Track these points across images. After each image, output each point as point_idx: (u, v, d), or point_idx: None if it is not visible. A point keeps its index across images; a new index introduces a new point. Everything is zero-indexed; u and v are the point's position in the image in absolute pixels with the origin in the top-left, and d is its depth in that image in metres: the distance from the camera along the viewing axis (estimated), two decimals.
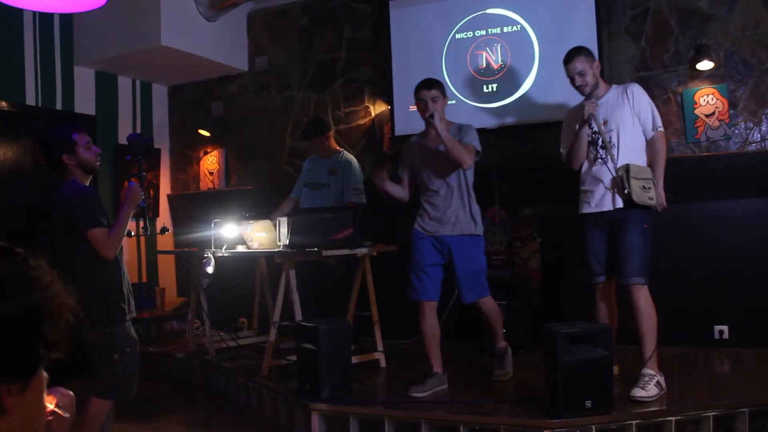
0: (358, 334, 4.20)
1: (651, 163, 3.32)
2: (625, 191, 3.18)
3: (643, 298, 3.18)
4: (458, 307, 4.52)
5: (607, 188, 3.31)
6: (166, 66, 5.51)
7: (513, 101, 4.67)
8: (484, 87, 4.75)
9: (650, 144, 3.35)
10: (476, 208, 3.57)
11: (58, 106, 5.22)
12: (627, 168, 3.21)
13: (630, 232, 3.22)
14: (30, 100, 4.99)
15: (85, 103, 5.44)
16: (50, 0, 2.98)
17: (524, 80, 4.65)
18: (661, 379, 3.15)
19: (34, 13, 4.92)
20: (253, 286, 4.89)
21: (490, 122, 4.67)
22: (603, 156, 3.33)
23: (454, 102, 4.85)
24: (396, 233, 4.33)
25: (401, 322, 4.71)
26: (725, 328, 4.11)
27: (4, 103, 4.82)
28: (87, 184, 2.97)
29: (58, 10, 4.36)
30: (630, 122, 3.32)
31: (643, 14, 4.42)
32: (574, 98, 4.47)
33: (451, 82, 4.86)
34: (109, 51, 5.16)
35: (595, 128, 3.36)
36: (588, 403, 2.79)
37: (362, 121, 5.32)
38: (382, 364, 4.07)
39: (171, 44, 4.96)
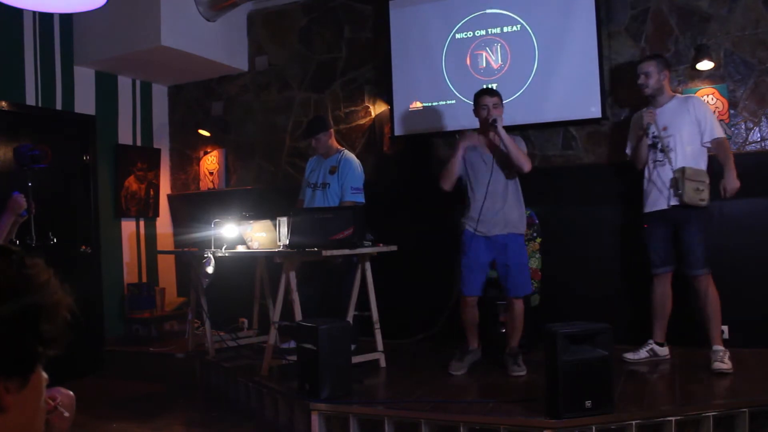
0: (358, 334, 4.20)
1: (722, 161, 3.65)
2: (679, 192, 3.57)
3: (709, 285, 3.59)
4: (458, 308, 4.52)
5: (664, 189, 3.69)
6: (166, 66, 5.51)
7: (513, 101, 4.67)
8: (484, 87, 4.75)
9: (716, 147, 3.69)
10: (523, 210, 3.88)
11: (58, 106, 5.22)
12: (683, 170, 3.59)
13: (691, 229, 3.62)
14: (30, 100, 4.99)
15: (85, 103, 5.44)
16: (50, 0, 2.97)
17: (524, 80, 4.65)
18: (728, 353, 3.55)
19: (34, 13, 4.92)
20: (253, 286, 4.89)
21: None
22: (661, 159, 3.71)
23: (454, 102, 4.86)
24: (396, 233, 4.33)
25: (401, 322, 4.72)
26: (725, 328, 4.09)
27: (4, 103, 4.82)
28: None
29: (58, 10, 4.36)
30: (689, 129, 3.68)
31: (643, 14, 4.42)
32: (574, 98, 4.49)
33: (451, 82, 4.86)
34: (109, 51, 5.16)
35: (656, 133, 3.74)
36: (588, 403, 2.79)
37: (362, 121, 5.32)
38: (382, 364, 4.07)
39: (171, 44, 4.96)
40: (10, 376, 0.77)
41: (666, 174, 3.69)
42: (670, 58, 4.35)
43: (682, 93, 4.31)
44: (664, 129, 3.72)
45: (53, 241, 3.22)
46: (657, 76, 3.76)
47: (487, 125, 3.73)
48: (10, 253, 0.81)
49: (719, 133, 3.70)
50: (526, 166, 3.70)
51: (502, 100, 3.80)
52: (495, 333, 4.13)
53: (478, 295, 3.83)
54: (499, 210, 3.75)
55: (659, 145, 3.74)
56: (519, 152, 3.69)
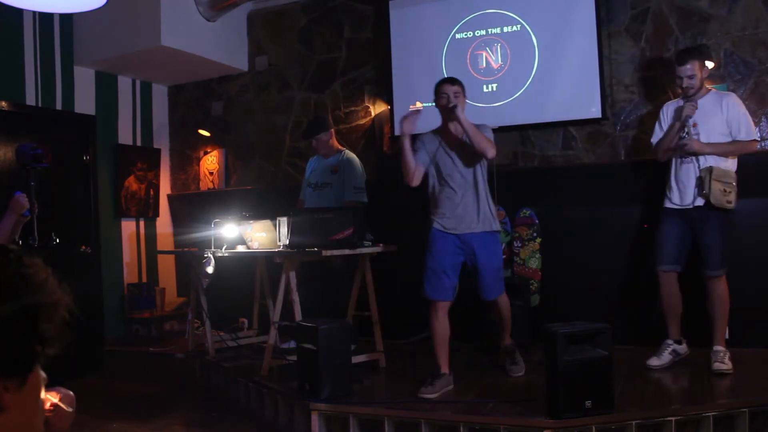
0: (358, 334, 4.20)
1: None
2: (705, 192, 3.46)
3: (721, 286, 3.54)
4: (458, 308, 4.52)
5: (689, 187, 3.56)
6: (166, 66, 5.51)
7: (513, 101, 4.67)
8: (484, 87, 4.75)
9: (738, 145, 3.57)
10: (493, 205, 3.61)
11: (58, 106, 5.22)
12: (710, 169, 3.46)
13: (711, 229, 3.52)
14: (30, 100, 4.99)
15: (85, 103, 5.44)
16: (50, 0, 2.97)
17: (524, 80, 4.64)
18: (729, 354, 3.52)
19: (34, 13, 4.92)
20: (253, 286, 4.89)
21: (490, 122, 4.63)
22: (688, 157, 3.57)
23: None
24: (396, 234, 4.33)
25: (401, 322, 4.72)
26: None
27: (4, 103, 4.82)
28: None
29: (58, 10, 4.36)
30: (719, 129, 3.54)
31: (643, 14, 4.42)
32: (574, 98, 4.48)
33: None
34: (109, 51, 5.16)
35: (686, 129, 3.57)
36: (588, 403, 2.79)
37: (362, 121, 5.32)
38: (382, 364, 4.07)
39: (171, 44, 4.96)
40: (9, 375, 0.77)
41: (692, 172, 3.57)
42: (670, 58, 4.35)
43: (675, 92, 4.31)
44: (694, 125, 3.58)
45: (56, 241, 3.20)
46: (700, 73, 3.57)
47: (447, 113, 3.47)
48: (8, 252, 0.81)
49: (746, 134, 3.55)
50: (490, 151, 3.40)
51: (464, 91, 3.52)
52: (491, 332, 4.11)
53: (448, 301, 3.52)
54: (470, 204, 3.50)
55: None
56: (481, 137, 3.39)
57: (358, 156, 4.57)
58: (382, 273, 4.18)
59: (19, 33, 4.89)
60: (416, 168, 3.54)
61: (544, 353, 2.92)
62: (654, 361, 3.61)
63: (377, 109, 5.25)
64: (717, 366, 3.44)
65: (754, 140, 3.62)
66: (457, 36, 4.85)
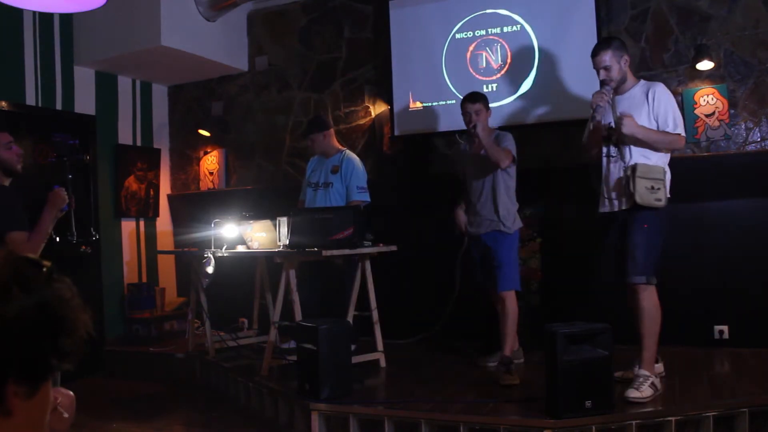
0: (358, 334, 4.20)
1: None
2: (630, 191, 3.14)
3: (646, 298, 3.14)
4: (458, 308, 4.53)
5: (615, 188, 3.28)
6: (166, 66, 5.51)
7: (513, 101, 4.68)
8: (484, 87, 4.75)
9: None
10: (512, 209, 3.87)
11: (58, 106, 5.22)
12: (634, 168, 3.14)
13: (634, 231, 3.18)
14: (30, 100, 4.99)
15: (85, 103, 5.44)
16: (50, 0, 2.97)
17: (524, 80, 4.64)
18: (657, 381, 3.14)
19: (34, 13, 4.92)
20: (253, 286, 4.89)
21: (490, 122, 4.66)
22: (615, 154, 3.29)
23: (454, 102, 4.86)
24: (396, 233, 4.33)
25: (401, 322, 4.72)
26: (725, 328, 4.11)
27: (4, 103, 4.82)
28: (7, 184, 2.90)
29: (58, 10, 4.36)
30: (646, 123, 3.22)
31: (643, 14, 4.42)
32: (574, 98, 4.48)
33: (451, 82, 4.86)
34: (109, 51, 5.16)
35: (612, 123, 3.28)
36: (588, 403, 2.79)
37: (362, 121, 5.32)
38: (382, 364, 4.07)
39: (171, 44, 4.96)
40: (21, 381, 0.79)
41: (619, 171, 3.26)
42: (669, 58, 4.35)
43: (675, 92, 4.31)
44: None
45: (56, 239, 3.19)
46: (618, 65, 3.28)
47: (470, 131, 3.86)
48: (42, 265, 0.84)
49: (674, 127, 3.21)
50: (503, 162, 3.73)
51: (486, 103, 3.89)
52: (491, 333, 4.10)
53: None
54: (482, 209, 3.85)
55: (613, 138, 3.27)
56: (497, 150, 3.73)
57: (358, 156, 4.57)
58: (382, 273, 4.19)
59: (19, 33, 4.89)
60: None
61: (544, 353, 2.92)
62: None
63: (377, 109, 5.25)
64: (629, 393, 2.98)
65: (682, 135, 3.26)
66: (457, 36, 4.85)
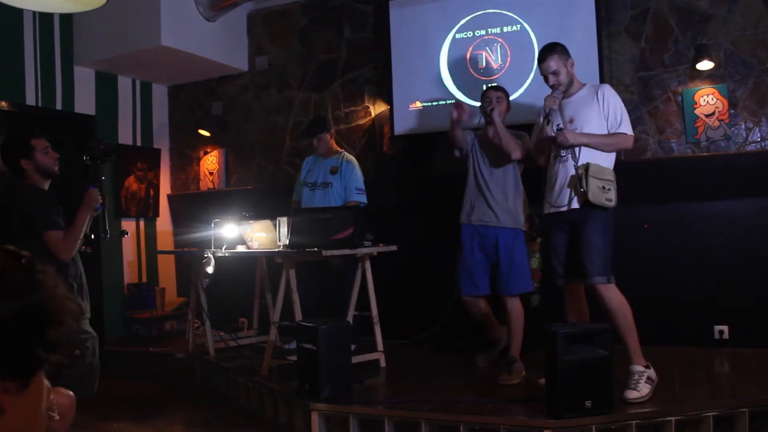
0: (359, 334, 4.20)
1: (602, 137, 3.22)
2: (582, 190, 3.11)
3: (612, 297, 3.13)
4: (458, 308, 4.53)
5: (565, 188, 3.24)
6: (166, 66, 5.51)
7: (513, 101, 4.66)
8: (484, 87, 4.74)
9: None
10: (521, 204, 3.81)
11: (58, 106, 5.22)
12: (587, 167, 3.13)
13: (589, 231, 3.15)
14: (30, 100, 4.99)
15: (85, 103, 5.44)
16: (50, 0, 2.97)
17: (524, 80, 4.64)
18: (651, 372, 3.11)
19: (34, 13, 4.92)
20: (253, 286, 4.89)
21: None
22: (564, 154, 3.26)
23: (454, 102, 4.86)
24: (396, 233, 4.33)
25: (401, 322, 4.72)
26: (725, 328, 4.11)
27: (4, 103, 4.82)
28: (46, 187, 3.03)
29: (58, 10, 4.36)
30: (597, 122, 3.23)
31: (643, 14, 4.42)
32: None
33: (451, 82, 4.86)
34: (109, 51, 5.16)
35: (560, 125, 3.27)
36: (588, 403, 2.79)
37: (362, 121, 5.33)
38: (382, 364, 4.07)
39: (171, 44, 4.96)
40: (10, 377, 0.77)
41: (568, 171, 3.22)
42: (669, 58, 4.35)
43: (675, 92, 4.31)
44: (570, 121, 3.27)
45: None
46: (565, 69, 3.29)
47: (487, 115, 3.78)
48: (21, 257, 0.82)
49: (625, 128, 3.23)
50: (515, 152, 3.67)
51: (507, 96, 3.89)
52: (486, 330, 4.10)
53: (483, 294, 3.82)
54: (493, 200, 3.75)
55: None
56: (510, 140, 3.68)
57: (357, 156, 4.58)
58: (382, 273, 4.19)
59: (19, 33, 4.89)
60: (462, 143, 3.90)
61: (544, 353, 2.92)
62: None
63: (377, 109, 5.25)
64: (627, 394, 2.98)
65: (630, 134, 3.26)
66: (457, 36, 4.85)
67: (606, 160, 3.23)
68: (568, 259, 3.29)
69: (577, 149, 3.22)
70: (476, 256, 3.79)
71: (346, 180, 4.35)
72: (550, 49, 3.33)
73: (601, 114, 3.24)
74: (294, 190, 4.70)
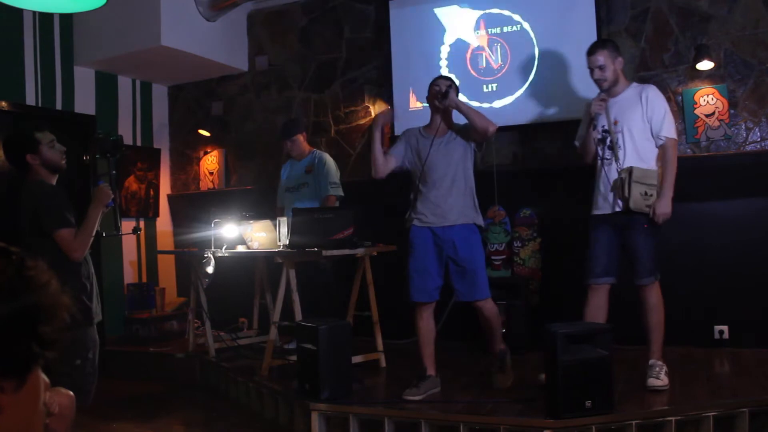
0: (358, 334, 4.20)
1: (662, 173, 3.27)
2: (624, 195, 3.19)
3: (654, 295, 3.29)
4: (458, 308, 4.52)
5: (610, 190, 3.31)
6: (166, 66, 5.51)
7: (513, 101, 4.68)
8: (484, 87, 4.75)
9: (660, 152, 3.31)
10: (475, 198, 3.50)
11: (58, 106, 5.22)
12: (630, 171, 3.19)
13: (635, 235, 3.26)
14: (30, 100, 4.99)
15: (85, 103, 5.44)
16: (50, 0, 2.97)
17: (524, 80, 4.64)
18: (666, 368, 3.29)
19: (34, 13, 4.92)
20: (253, 286, 4.89)
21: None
22: (609, 157, 3.32)
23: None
24: (396, 233, 4.33)
25: (401, 322, 4.72)
26: (725, 328, 4.11)
27: (4, 103, 4.82)
28: (53, 183, 2.92)
29: (58, 10, 4.36)
30: (641, 125, 3.28)
31: (643, 14, 4.42)
32: (574, 98, 4.48)
33: None
34: (109, 51, 5.16)
35: (606, 126, 3.34)
36: (588, 403, 2.79)
37: (362, 121, 5.32)
38: (382, 364, 4.07)
39: (171, 44, 4.96)
40: (5, 375, 0.76)
41: (613, 174, 3.29)
42: (669, 58, 4.35)
43: (675, 92, 4.31)
44: (615, 123, 3.31)
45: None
46: (612, 66, 3.32)
47: (441, 99, 3.38)
48: (10, 253, 0.80)
49: (668, 131, 3.27)
50: (491, 126, 3.33)
51: (457, 88, 3.54)
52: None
53: (433, 301, 3.50)
54: (449, 198, 3.41)
55: (608, 141, 3.32)
56: (480, 115, 3.35)
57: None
58: (382, 273, 4.18)
59: (19, 33, 4.89)
60: (385, 160, 3.52)
61: (544, 353, 2.92)
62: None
63: (377, 109, 5.25)
64: (651, 382, 3.18)
65: (674, 138, 3.30)
66: (457, 36, 4.84)
67: (649, 163, 3.29)
68: (610, 260, 3.34)
69: (621, 152, 3.28)
70: (432, 257, 3.51)
71: (320, 176, 4.43)
72: (602, 44, 3.40)
73: (644, 116, 3.28)
74: (278, 195, 4.73)
